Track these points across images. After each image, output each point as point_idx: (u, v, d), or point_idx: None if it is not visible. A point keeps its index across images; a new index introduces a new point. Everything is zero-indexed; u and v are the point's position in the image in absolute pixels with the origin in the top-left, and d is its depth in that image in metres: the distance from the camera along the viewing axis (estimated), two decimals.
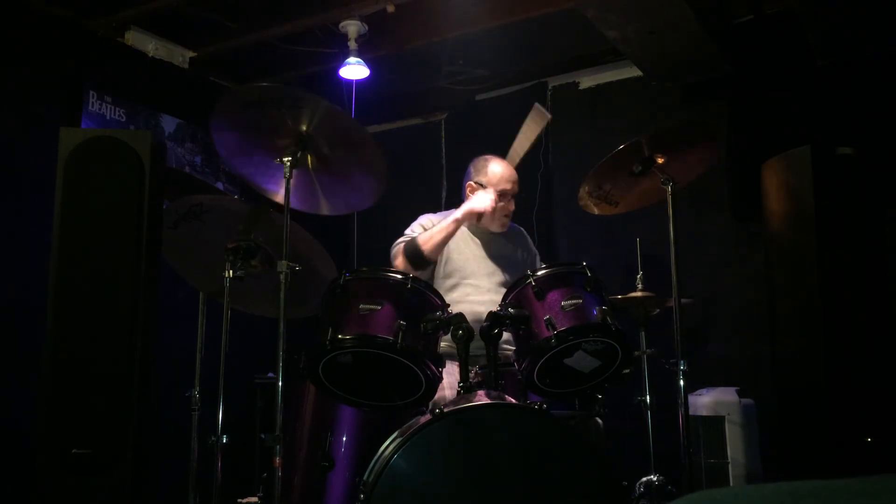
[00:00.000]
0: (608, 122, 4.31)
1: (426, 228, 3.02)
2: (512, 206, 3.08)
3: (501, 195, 3.03)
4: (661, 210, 2.71)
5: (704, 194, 3.84)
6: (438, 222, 3.01)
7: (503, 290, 2.92)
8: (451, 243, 3.03)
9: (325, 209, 2.63)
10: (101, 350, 2.24)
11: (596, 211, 2.89)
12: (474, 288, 2.98)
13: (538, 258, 3.23)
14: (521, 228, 3.29)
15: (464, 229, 3.10)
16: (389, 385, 2.21)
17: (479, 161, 3.16)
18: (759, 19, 3.80)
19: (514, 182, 3.08)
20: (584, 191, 2.80)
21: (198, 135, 4.35)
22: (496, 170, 3.08)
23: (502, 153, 3.21)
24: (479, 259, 3.04)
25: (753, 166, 2.95)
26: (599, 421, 2.58)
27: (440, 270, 3.03)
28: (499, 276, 3.02)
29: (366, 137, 2.42)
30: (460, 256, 3.04)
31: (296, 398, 2.58)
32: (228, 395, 2.52)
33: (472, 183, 3.13)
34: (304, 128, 2.33)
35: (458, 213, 2.91)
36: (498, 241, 3.12)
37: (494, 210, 2.99)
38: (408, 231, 3.08)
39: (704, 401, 3.41)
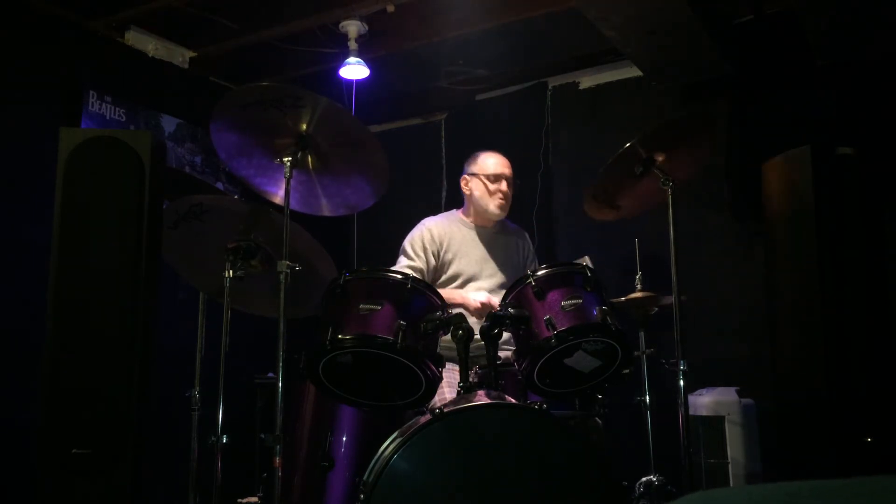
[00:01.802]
0: (608, 122, 4.30)
1: (433, 235, 3.05)
2: (505, 189, 3.09)
3: (494, 179, 3.08)
4: (660, 210, 2.71)
5: (704, 194, 3.84)
6: (438, 231, 3.05)
7: (504, 288, 2.93)
8: (456, 244, 3.05)
9: (325, 210, 2.63)
10: (101, 350, 2.24)
11: (602, 217, 2.90)
12: (477, 290, 2.99)
13: (536, 258, 3.25)
14: (514, 224, 3.29)
15: (468, 230, 3.11)
16: (389, 385, 2.21)
17: (472, 156, 3.21)
18: (759, 19, 3.79)
19: (504, 166, 3.12)
20: (588, 198, 2.80)
21: (198, 135, 4.35)
22: (485, 158, 3.14)
23: (502, 153, 3.22)
24: (482, 260, 3.06)
25: (753, 166, 2.95)
26: (599, 421, 2.58)
27: (445, 272, 3.04)
28: (501, 277, 3.03)
29: (366, 136, 2.42)
30: (465, 258, 3.05)
31: (296, 398, 2.58)
32: (228, 395, 2.52)
33: (465, 176, 3.17)
34: (304, 127, 2.33)
35: (465, 300, 2.84)
36: (501, 241, 3.13)
37: (491, 196, 3.07)
38: (407, 243, 3.09)
39: (704, 401, 3.41)
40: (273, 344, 2.21)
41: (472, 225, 3.14)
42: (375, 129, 4.78)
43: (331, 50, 4.14)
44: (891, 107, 3.51)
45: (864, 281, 2.58)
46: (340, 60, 4.05)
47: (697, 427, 3.36)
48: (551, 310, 2.18)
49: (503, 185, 3.09)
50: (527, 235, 3.30)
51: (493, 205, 3.08)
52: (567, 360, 2.22)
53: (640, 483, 2.88)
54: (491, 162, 3.13)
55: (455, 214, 3.22)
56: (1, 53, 3.58)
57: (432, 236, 3.06)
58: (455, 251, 3.05)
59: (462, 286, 3.01)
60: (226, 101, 2.32)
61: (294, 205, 2.35)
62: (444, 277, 3.04)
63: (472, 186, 3.13)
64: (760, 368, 3.49)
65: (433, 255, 3.04)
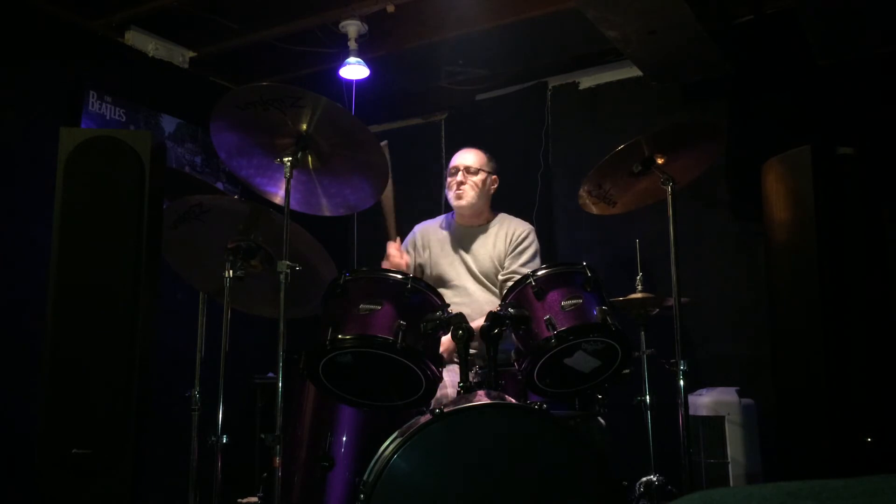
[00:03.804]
0: (608, 122, 4.30)
1: (416, 239, 3.11)
2: (460, 179, 3.07)
3: (452, 172, 3.12)
4: (660, 210, 2.71)
5: (704, 194, 3.84)
6: (423, 234, 3.10)
7: (492, 287, 2.93)
8: (436, 246, 3.07)
9: (325, 210, 2.63)
10: (101, 350, 2.24)
11: (595, 210, 2.90)
12: (461, 290, 2.99)
13: (523, 251, 3.06)
14: (519, 221, 3.16)
15: (450, 231, 3.12)
16: (389, 385, 2.21)
17: None
18: (759, 19, 3.80)
19: (462, 157, 3.13)
20: (583, 190, 2.80)
21: (198, 135, 4.35)
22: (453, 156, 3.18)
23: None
24: (456, 260, 3.06)
25: (753, 166, 2.95)
26: (602, 421, 2.58)
27: (429, 274, 3.06)
28: (472, 273, 3.03)
29: (366, 136, 2.41)
30: (444, 258, 3.06)
31: (296, 398, 2.58)
32: (228, 395, 2.52)
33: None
34: (304, 127, 2.33)
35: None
36: (478, 237, 3.11)
37: (448, 189, 3.12)
38: (404, 242, 3.14)
39: (704, 401, 3.41)
40: (273, 344, 2.21)
41: (459, 225, 3.15)
42: (375, 129, 4.77)
43: (331, 50, 4.14)
44: (891, 107, 3.51)
45: (864, 281, 2.58)
46: (340, 60, 4.05)
47: (697, 427, 3.35)
48: (551, 310, 2.18)
49: (458, 176, 3.09)
50: (525, 229, 3.11)
51: (451, 197, 3.11)
52: (567, 360, 2.22)
53: (640, 483, 2.88)
54: (453, 157, 3.16)
55: (447, 216, 3.23)
56: (1, 53, 3.59)
57: (415, 240, 3.14)
58: (435, 252, 3.08)
59: (447, 286, 3.02)
60: (225, 101, 2.32)
61: (294, 205, 2.35)
62: (429, 277, 3.05)
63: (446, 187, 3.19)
64: (760, 368, 3.49)
65: (417, 259, 3.07)
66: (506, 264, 3.02)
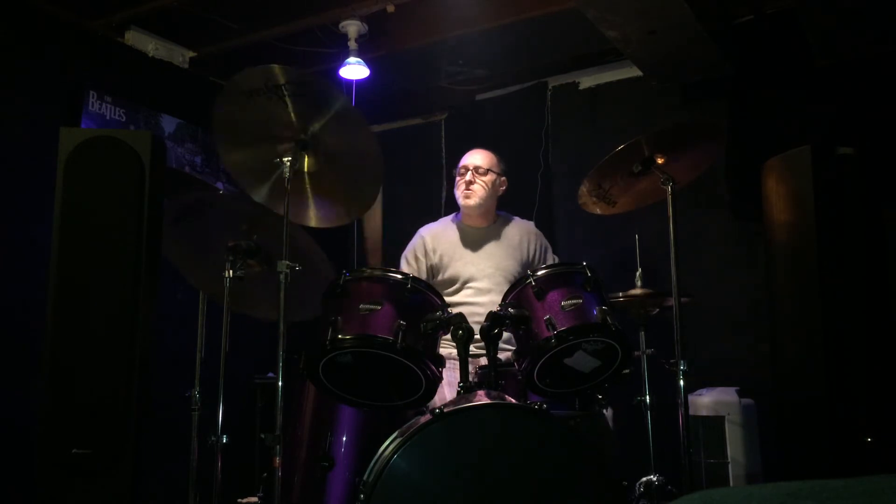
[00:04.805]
0: (608, 122, 4.30)
1: (426, 243, 3.10)
2: (469, 178, 3.11)
3: (462, 172, 3.13)
4: (660, 210, 2.71)
5: (704, 194, 3.84)
6: (431, 238, 3.10)
7: (505, 287, 2.94)
8: (449, 248, 3.06)
9: (313, 220, 2.61)
10: (100, 350, 2.24)
11: (596, 210, 2.90)
12: (475, 290, 2.99)
13: (548, 250, 3.22)
14: (522, 220, 3.27)
15: (462, 233, 3.12)
16: (389, 385, 2.21)
17: None
18: (759, 19, 3.80)
19: (471, 157, 3.16)
20: (583, 190, 2.80)
21: (198, 135, 4.35)
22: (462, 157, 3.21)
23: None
24: (478, 260, 3.06)
25: (753, 166, 2.95)
26: (606, 414, 2.57)
27: (442, 276, 3.05)
28: (502, 274, 3.03)
29: (366, 132, 2.41)
30: (459, 261, 3.05)
31: (296, 398, 2.58)
32: (228, 395, 2.52)
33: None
34: (295, 117, 2.31)
35: None
36: (499, 238, 3.13)
37: (457, 189, 3.14)
38: (404, 253, 3.17)
39: (704, 401, 3.41)
40: (273, 344, 2.21)
41: (467, 226, 3.15)
42: (375, 129, 4.77)
43: (331, 50, 4.14)
44: (891, 107, 3.51)
45: (864, 281, 2.58)
46: (340, 60, 4.05)
47: (697, 427, 3.35)
48: (551, 310, 2.18)
49: (467, 176, 3.11)
50: (536, 231, 3.25)
51: (460, 197, 3.12)
52: (567, 360, 2.22)
53: (640, 483, 2.88)
54: (462, 158, 3.18)
55: (451, 218, 3.23)
56: (1, 53, 3.59)
57: (424, 244, 3.11)
58: (450, 255, 3.07)
59: (461, 288, 3.02)
60: (229, 87, 2.31)
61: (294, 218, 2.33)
62: (441, 280, 3.04)
63: (454, 187, 3.19)
64: (760, 368, 3.49)
65: (428, 263, 3.07)
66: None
